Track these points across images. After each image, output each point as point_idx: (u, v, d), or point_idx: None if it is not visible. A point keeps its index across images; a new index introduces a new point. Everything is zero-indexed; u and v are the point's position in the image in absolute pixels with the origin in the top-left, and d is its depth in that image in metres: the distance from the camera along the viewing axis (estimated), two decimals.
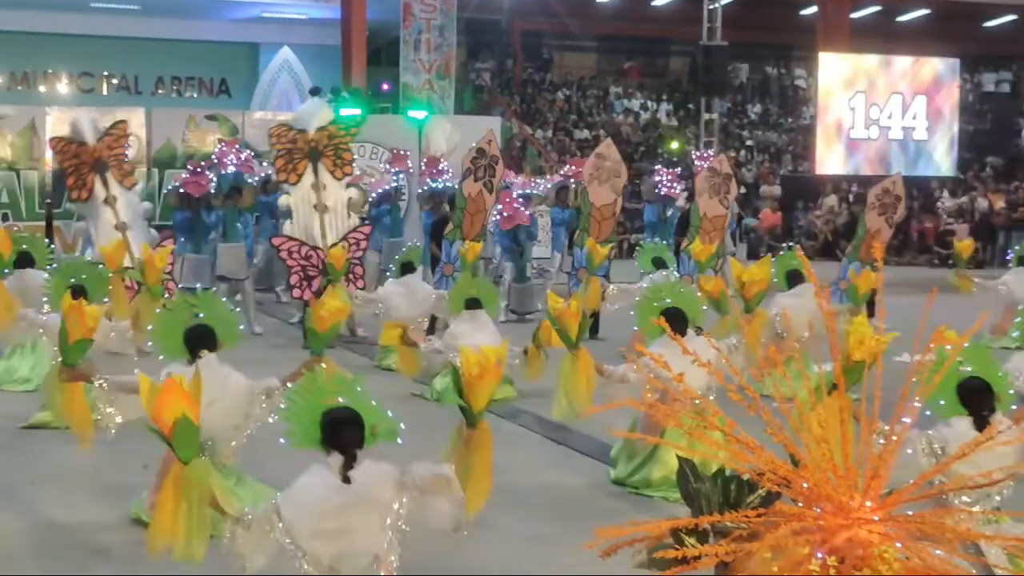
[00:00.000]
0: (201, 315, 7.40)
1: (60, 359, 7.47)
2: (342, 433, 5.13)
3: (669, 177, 17.25)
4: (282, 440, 5.27)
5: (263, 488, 7.23)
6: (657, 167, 19.15)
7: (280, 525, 4.96)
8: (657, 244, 14.57)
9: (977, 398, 5.82)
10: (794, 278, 11.86)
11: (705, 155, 19.53)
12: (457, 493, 5.34)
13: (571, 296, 10.36)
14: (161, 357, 7.34)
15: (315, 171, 14.04)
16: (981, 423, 5.72)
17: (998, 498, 5.72)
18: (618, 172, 15.12)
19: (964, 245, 16.21)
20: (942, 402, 5.84)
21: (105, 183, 13.97)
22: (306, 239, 13.73)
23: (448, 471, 5.36)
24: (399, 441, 5.31)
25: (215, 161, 16.51)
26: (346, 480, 5.04)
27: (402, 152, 19.23)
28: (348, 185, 14.63)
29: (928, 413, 5.79)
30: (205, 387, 7.04)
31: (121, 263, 11.99)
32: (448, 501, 5.30)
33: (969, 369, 5.91)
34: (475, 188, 14.78)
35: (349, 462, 5.08)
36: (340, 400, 5.23)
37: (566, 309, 8.48)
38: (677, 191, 17.21)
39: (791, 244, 13.82)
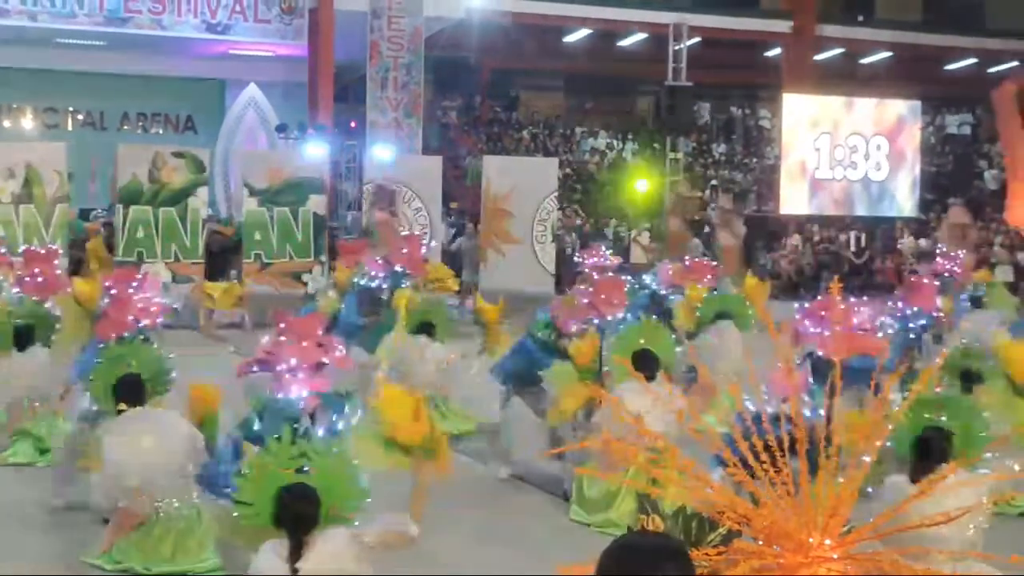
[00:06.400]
0: (131, 363, 7.36)
1: None
2: (293, 514, 4.91)
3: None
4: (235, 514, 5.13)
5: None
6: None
7: None
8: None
9: (929, 447, 5.86)
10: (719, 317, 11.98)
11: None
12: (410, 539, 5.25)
13: None
14: (95, 407, 7.31)
15: None
16: (926, 470, 5.69)
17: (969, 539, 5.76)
18: None
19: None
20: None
21: None
22: None
23: (412, 530, 5.21)
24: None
25: None
26: (294, 571, 4.82)
27: None
28: None
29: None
30: (139, 436, 7.02)
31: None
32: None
33: (944, 418, 5.98)
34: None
35: (297, 549, 4.85)
36: (305, 470, 5.02)
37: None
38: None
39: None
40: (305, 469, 5.03)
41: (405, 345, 11.23)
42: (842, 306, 8.16)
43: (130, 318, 9.88)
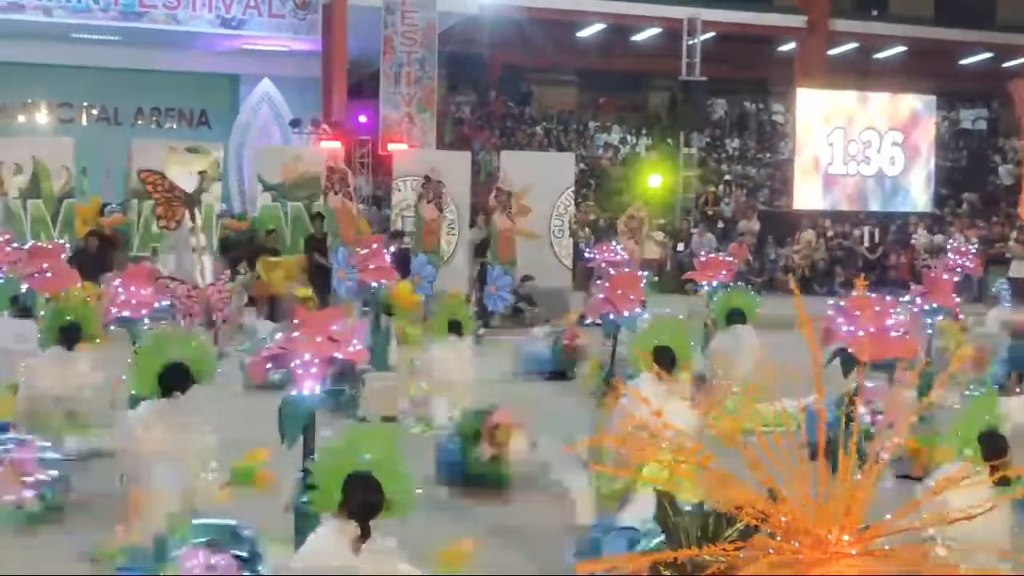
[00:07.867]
0: (178, 353, 7.26)
1: None
2: (361, 502, 5.13)
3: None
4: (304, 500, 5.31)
5: None
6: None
7: None
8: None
9: (991, 446, 5.88)
10: (732, 318, 11.88)
11: None
12: None
13: None
14: (132, 391, 7.28)
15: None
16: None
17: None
18: None
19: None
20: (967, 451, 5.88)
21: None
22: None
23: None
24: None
25: None
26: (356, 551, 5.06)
27: None
28: None
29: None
30: (166, 430, 7.02)
31: None
32: None
33: (987, 419, 5.99)
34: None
35: (364, 535, 5.08)
36: (367, 459, 5.20)
37: None
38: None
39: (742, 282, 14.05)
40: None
41: (435, 348, 11.19)
42: (878, 308, 8.03)
43: (114, 311, 9.83)
